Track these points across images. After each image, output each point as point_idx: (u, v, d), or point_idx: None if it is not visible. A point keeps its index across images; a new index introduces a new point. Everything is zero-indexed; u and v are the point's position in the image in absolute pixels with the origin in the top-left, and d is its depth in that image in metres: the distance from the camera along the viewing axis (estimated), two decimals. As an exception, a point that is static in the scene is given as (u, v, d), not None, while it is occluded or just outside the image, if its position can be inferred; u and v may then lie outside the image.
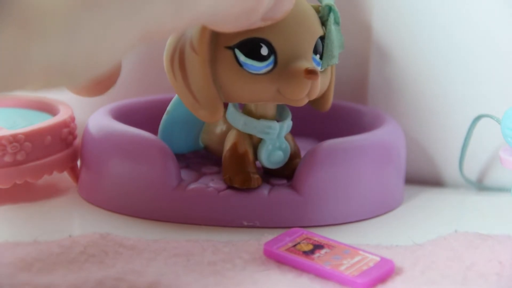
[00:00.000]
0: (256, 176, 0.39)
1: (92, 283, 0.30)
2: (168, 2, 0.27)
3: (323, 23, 0.39)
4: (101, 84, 0.32)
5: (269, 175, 0.41)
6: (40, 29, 0.23)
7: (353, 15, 0.50)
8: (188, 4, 0.28)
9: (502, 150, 0.41)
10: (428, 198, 0.46)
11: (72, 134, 0.44)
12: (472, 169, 0.48)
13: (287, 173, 0.41)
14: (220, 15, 0.31)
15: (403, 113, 0.49)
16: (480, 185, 0.48)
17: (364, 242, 0.37)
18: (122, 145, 0.41)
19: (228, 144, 0.40)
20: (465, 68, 0.48)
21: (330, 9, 0.38)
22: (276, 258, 0.34)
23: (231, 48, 0.37)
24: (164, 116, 0.43)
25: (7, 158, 0.40)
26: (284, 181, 0.41)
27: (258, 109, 0.40)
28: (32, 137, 0.41)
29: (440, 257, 0.34)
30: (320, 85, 0.37)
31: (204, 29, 0.36)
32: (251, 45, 0.36)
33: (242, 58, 0.36)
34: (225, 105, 0.39)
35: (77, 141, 0.45)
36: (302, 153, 0.42)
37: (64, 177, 0.45)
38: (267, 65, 0.37)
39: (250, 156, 0.40)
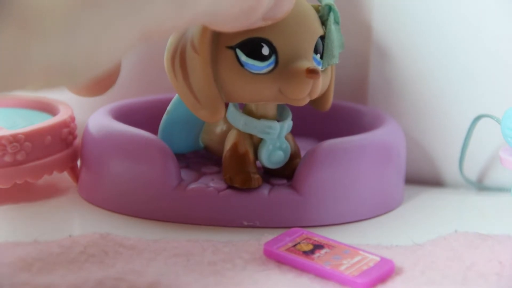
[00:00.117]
0: (257, 176, 0.39)
1: (92, 283, 0.30)
2: (168, 1, 0.27)
3: (323, 22, 0.39)
4: (101, 84, 0.32)
5: (269, 175, 0.41)
6: (40, 29, 0.23)
7: (353, 15, 0.50)
8: (188, 4, 0.28)
9: (502, 150, 0.41)
10: (428, 198, 0.46)
11: (72, 134, 0.44)
12: (472, 169, 0.48)
13: (287, 173, 0.41)
14: (220, 14, 0.31)
15: (403, 113, 0.49)
16: (480, 185, 0.48)
17: (364, 242, 0.37)
18: (122, 145, 0.41)
19: (228, 144, 0.40)
20: (465, 68, 0.48)
21: (330, 8, 0.38)
22: (276, 258, 0.34)
23: (232, 48, 0.37)
24: (164, 116, 0.43)
25: (7, 158, 0.40)
26: (284, 181, 0.41)
27: (259, 109, 0.40)
28: (32, 137, 0.41)
29: (440, 257, 0.34)
30: (320, 84, 0.37)
31: (205, 29, 0.36)
32: (252, 45, 0.36)
33: (243, 58, 0.36)
34: (226, 105, 0.39)
35: (77, 141, 0.45)
36: (302, 153, 0.42)
37: (64, 177, 0.45)
38: (268, 65, 0.37)
39: (251, 156, 0.40)
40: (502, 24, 0.46)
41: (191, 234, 0.38)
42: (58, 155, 0.43)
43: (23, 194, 0.43)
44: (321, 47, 0.38)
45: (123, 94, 0.49)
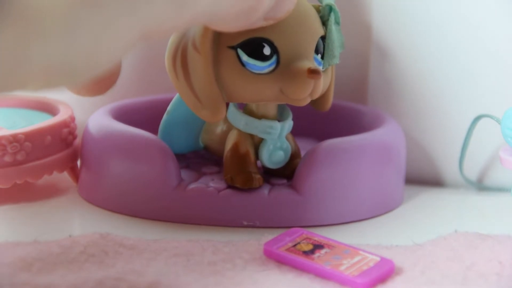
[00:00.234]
0: (258, 176, 0.39)
1: (92, 283, 0.30)
2: (167, 1, 0.27)
3: (324, 22, 0.39)
4: (102, 84, 0.32)
5: (269, 174, 0.41)
6: (40, 29, 0.23)
7: (353, 15, 0.50)
8: (187, 4, 0.28)
9: (502, 150, 0.41)
10: (428, 198, 0.46)
11: (72, 134, 0.44)
12: (472, 169, 0.48)
13: (287, 173, 0.41)
14: (220, 14, 0.31)
15: (403, 113, 0.49)
16: (480, 185, 0.48)
17: (364, 242, 0.37)
18: (122, 145, 0.41)
19: (229, 144, 0.40)
20: (465, 68, 0.48)
21: (330, 9, 0.38)
22: (276, 258, 0.34)
23: (234, 48, 0.37)
24: (164, 116, 0.43)
25: (7, 158, 0.40)
26: (284, 181, 0.41)
27: (259, 109, 0.40)
28: (32, 137, 0.41)
29: (440, 257, 0.34)
30: (322, 84, 0.37)
31: (206, 28, 0.36)
32: (253, 45, 0.36)
33: (244, 57, 0.36)
34: (226, 105, 0.39)
35: (77, 141, 0.45)
36: (302, 153, 0.42)
37: (64, 177, 0.45)
38: (270, 65, 0.37)
39: (252, 156, 0.40)
40: (502, 24, 0.46)
41: (191, 234, 0.38)
42: (58, 155, 0.43)
43: (23, 194, 0.43)
44: (321, 47, 0.38)
45: (123, 94, 0.49)
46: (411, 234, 0.38)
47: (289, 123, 0.40)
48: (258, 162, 0.41)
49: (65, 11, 0.23)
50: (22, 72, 0.23)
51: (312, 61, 0.37)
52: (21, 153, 0.41)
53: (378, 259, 0.33)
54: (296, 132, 0.42)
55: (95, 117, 0.44)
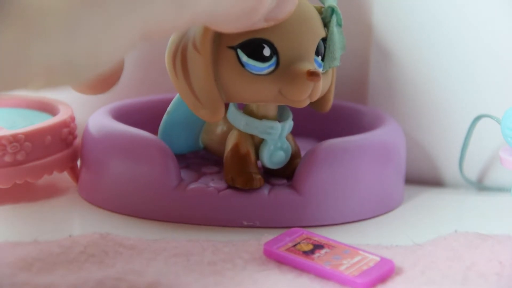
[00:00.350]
0: (258, 176, 0.39)
1: (92, 283, 0.30)
2: (168, 1, 0.27)
3: (325, 24, 0.39)
4: (104, 82, 0.32)
5: (269, 175, 0.41)
6: (40, 28, 0.23)
7: (353, 16, 0.50)
8: (188, 3, 0.28)
9: (502, 150, 0.41)
10: (428, 198, 0.46)
11: (72, 134, 0.44)
12: (472, 169, 0.48)
13: (287, 173, 0.41)
14: (220, 14, 0.31)
15: (403, 113, 0.49)
16: (480, 185, 0.48)
17: (364, 242, 0.37)
18: (122, 145, 0.41)
19: (229, 145, 0.40)
20: (465, 68, 0.48)
21: (333, 10, 0.38)
22: (276, 258, 0.34)
23: (234, 48, 0.37)
24: (165, 117, 0.43)
25: (7, 158, 0.40)
26: (284, 181, 0.41)
27: (260, 109, 0.40)
28: (32, 137, 0.41)
29: (440, 257, 0.34)
30: (321, 86, 0.37)
31: (207, 28, 0.36)
32: (253, 45, 0.36)
33: (244, 58, 0.36)
34: (226, 105, 0.39)
35: (77, 141, 0.45)
36: (302, 153, 0.42)
37: (64, 177, 0.45)
38: (269, 66, 0.37)
39: (252, 156, 0.40)
40: (502, 24, 0.46)
41: (191, 234, 0.38)
42: (58, 155, 0.43)
43: (23, 194, 0.43)
44: (322, 49, 0.38)
45: (123, 94, 0.49)
46: (411, 234, 0.38)
47: (289, 124, 0.40)
48: (259, 162, 0.41)
49: (66, 11, 0.23)
50: (23, 72, 0.23)
51: (312, 63, 0.37)
52: (21, 153, 0.41)
53: (378, 259, 0.33)
54: (296, 132, 0.42)
55: (95, 117, 0.44)
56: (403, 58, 0.49)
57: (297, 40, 0.37)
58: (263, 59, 0.36)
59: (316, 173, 0.39)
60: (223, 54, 0.37)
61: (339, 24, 0.39)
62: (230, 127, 0.41)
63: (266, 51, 0.36)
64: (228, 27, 0.34)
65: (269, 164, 0.40)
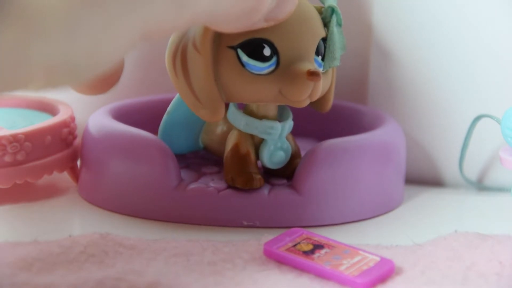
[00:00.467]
0: (258, 176, 0.39)
1: (92, 283, 0.30)
2: (168, 1, 0.27)
3: (325, 24, 0.39)
4: (104, 82, 0.32)
5: (269, 174, 0.41)
6: (40, 28, 0.23)
7: (353, 15, 0.50)
8: (188, 3, 0.28)
9: (502, 150, 0.41)
10: (428, 198, 0.46)
11: (72, 134, 0.44)
12: (472, 169, 0.48)
13: (287, 173, 0.41)
14: (220, 14, 0.31)
15: (403, 113, 0.49)
16: (480, 185, 0.48)
17: (364, 242, 0.37)
18: (122, 145, 0.41)
19: (229, 145, 0.40)
20: (465, 68, 0.48)
21: (333, 10, 0.38)
22: (276, 258, 0.34)
23: (234, 48, 0.37)
24: (165, 117, 0.43)
25: (7, 158, 0.40)
26: (284, 181, 0.41)
27: (260, 109, 0.40)
28: (32, 137, 0.41)
29: (440, 257, 0.34)
30: (321, 86, 0.37)
31: (207, 28, 0.36)
32: (254, 45, 0.36)
33: (244, 58, 0.36)
34: (226, 105, 0.39)
35: (77, 141, 0.45)
36: (302, 153, 0.42)
37: (64, 177, 0.45)
38: (270, 66, 0.37)
39: (252, 156, 0.40)
40: (502, 24, 0.46)
41: (191, 234, 0.38)
42: (58, 155, 0.43)
43: (23, 194, 0.43)
44: (322, 49, 0.38)
45: (123, 94, 0.49)
46: (411, 234, 0.38)
47: (289, 124, 0.40)
48: (259, 162, 0.41)
49: (66, 11, 0.23)
50: (23, 72, 0.23)
51: (312, 63, 0.37)
52: (21, 153, 0.41)
53: (378, 259, 0.33)
54: (296, 132, 0.42)
55: (95, 117, 0.44)
56: (403, 58, 0.49)
57: (297, 40, 0.37)
58: (263, 59, 0.36)
59: (316, 173, 0.39)
60: (223, 54, 0.37)
61: (339, 24, 0.39)
62: (230, 127, 0.41)
63: (267, 51, 0.36)
64: (228, 27, 0.34)
65: (269, 164, 0.40)
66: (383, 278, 0.32)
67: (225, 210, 0.39)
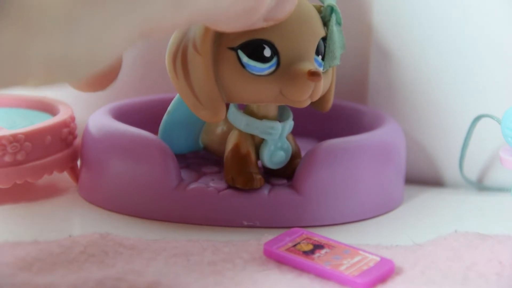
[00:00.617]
0: (259, 176, 0.39)
1: (92, 283, 0.30)
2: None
3: (325, 23, 0.39)
4: (103, 79, 0.32)
5: (269, 174, 0.41)
6: (39, 26, 0.23)
7: (353, 15, 0.50)
8: (187, 2, 0.28)
9: (502, 150, 0.41)
10: (428, 198, 0.46)
11: (72, 134, 0.44)
12: (472, 169, 0.48)
13: (288, 173, 0.41)
14: (220, 14, 0.31)
15: (403, 113, 0.49)
16: (480, 185, 0.48)
17: (364, 242, 0.37)
18: (122, 145, 0.41)
19: (230, 145, 0.40)
20: (465, 68, 0.48)
21: (332, 9, 0.38)
22: (276, 258, 0.34)
23: (234, 49, 0.37)
24: (165, 117, 0.43)
25: (7, 158, 0.40)
26: (284, 181, 0.41)
27: (260, 109, 0.40)
28: (32, 137, 0.41)
29: (440, 257, 0.34)
30: (322, 86, 0.37)
31: (207, 29, 0.36)
32: (254, 46, 0.36)
33: (245, 59, 0.36)
34: (226, 106, 0.39)
35: (77, 141, 0.45)
36: (302, 153, 0.42)
37: (64, 177, 0.45)
38: (270, 67, 0.37)
39: (252, 156, 0.40)
40: (502, 24, 0.46)
41: (191, 234, 0.38)
42: (58, 155, 0.43)
43: (23, 194, 0.43)
44: (322, 48, 0.38)
45: (123, 94, 0.49)
46: (411, 234, 0.38)
47: (289, 124, 0.40)
48: (259, 162, 0.41)
49: (65, 9, 0.23)
50: (22, 69, 0.23)
51: (312, 63, 0.37)
52: (21, 153, 0.41)
53: (378, 259, 0.33)
54: (296, 132, 0.42)
55: (95, 117, 0.44)
56: (403, 58, 0.49)
57: (297, 40, 0.37)
58: (264, 59, 0.36)
59: (316, 173, 0.39)
60: (223, 55, 0.37)
61: (338, 23, 0.39)
62: (230, 127, 0.41)
63: (267, 52, 0.36)
64: (228, 26, 0.34)
65: (269, 164, 0.40)
66: (383, 278, 0.32)
67: (225, 210, 0.39)
